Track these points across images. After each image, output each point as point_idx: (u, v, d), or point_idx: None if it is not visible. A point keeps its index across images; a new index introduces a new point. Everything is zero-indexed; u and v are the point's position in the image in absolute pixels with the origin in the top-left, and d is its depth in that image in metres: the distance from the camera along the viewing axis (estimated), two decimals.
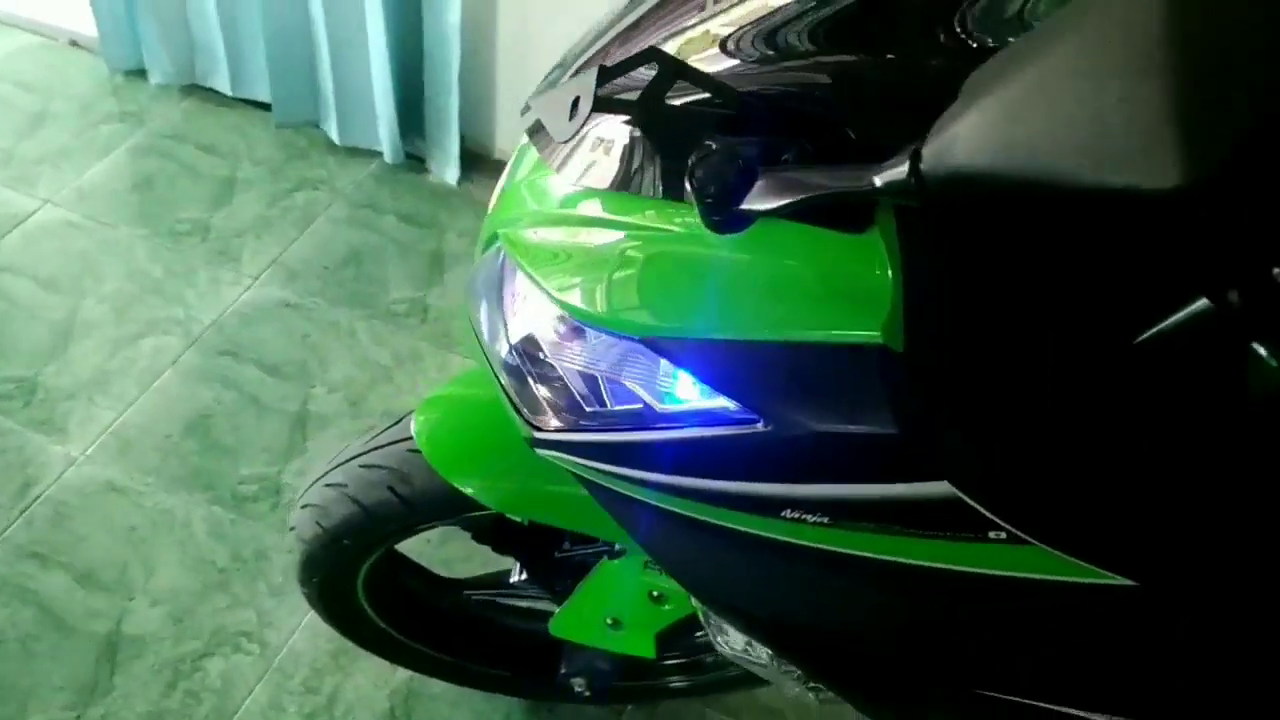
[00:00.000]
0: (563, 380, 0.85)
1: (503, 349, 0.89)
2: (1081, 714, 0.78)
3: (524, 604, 1.45)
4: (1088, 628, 0.73)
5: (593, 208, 0.82)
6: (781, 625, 0.86)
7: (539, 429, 0.87)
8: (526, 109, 0.86)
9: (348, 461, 1.18)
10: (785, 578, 0.81)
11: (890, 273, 0.66)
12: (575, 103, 0.67)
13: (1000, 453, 0.67)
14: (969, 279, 0.67)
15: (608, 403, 0.82)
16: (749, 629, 0.93)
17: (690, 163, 0.67)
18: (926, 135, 0.55)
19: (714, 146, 0.68)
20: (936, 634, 0.80)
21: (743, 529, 0.78)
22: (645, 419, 0.79)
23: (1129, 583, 0.68)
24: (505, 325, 0.88)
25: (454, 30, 2.11)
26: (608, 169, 0.80)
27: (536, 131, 0.88)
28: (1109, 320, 0.63)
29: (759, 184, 0.64)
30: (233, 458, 1.85)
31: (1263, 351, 0.52)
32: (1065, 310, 0.66)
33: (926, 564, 0.72)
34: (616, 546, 1.14)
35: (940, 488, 0.67)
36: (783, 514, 0.74)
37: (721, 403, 0.73)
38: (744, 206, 0.65)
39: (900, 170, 0.56)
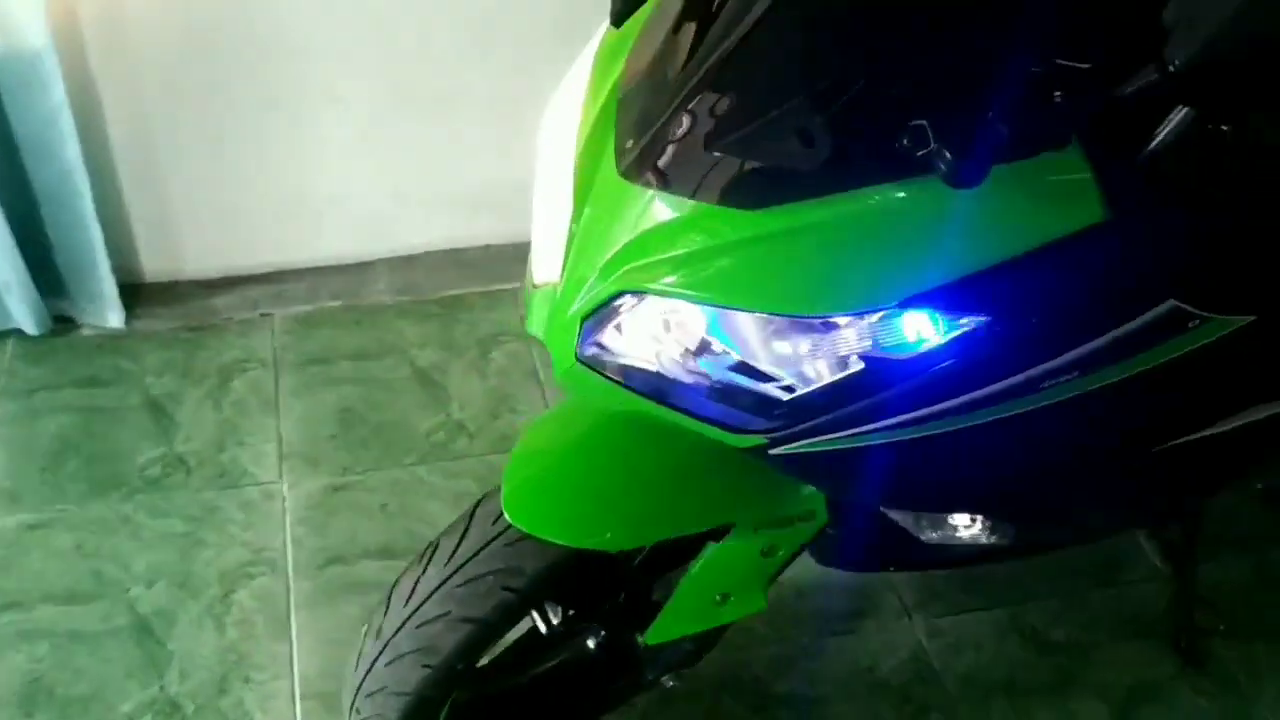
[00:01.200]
0: (759, 382, 0.91)
1: (697, 378, 0.93)
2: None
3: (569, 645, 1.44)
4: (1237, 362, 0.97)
5: (743, 223, 0.88)
6: (1004, 488, 1.01)
7: (769, 433, 0.93)
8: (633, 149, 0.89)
9: (429, 598, 1.13)
10: (1021, 441, 0.95)
11: (1089, 171, 0.81)
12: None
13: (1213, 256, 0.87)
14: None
15: (821, 377, 0.90)
16: (972, 507, 1.07)
17: (928, 139, 0.77)
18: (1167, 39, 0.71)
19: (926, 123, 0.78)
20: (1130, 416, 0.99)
21: (995, 417, 0.91)
22: (880, 374, 0.88)
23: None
24: (687, 357, 0.92)
25: (77, 163, 1.89)
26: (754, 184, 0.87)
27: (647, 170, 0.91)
28: None
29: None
30: (97, 705, 1.60)
31: None
32: None
33: (1143, 369, 0.90)
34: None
35: (1164, 306, 0.85)
36: (1042, 387, 0.88)
37: (966, 326, 0.85)
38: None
39: (1150, 74, 0.72)
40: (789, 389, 0.91)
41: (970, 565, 1.34)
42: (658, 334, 0.95)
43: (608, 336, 0.97)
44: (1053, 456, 1.01)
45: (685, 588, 1.21)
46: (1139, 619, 1.82)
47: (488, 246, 2.28)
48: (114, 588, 1.74)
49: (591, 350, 0.98)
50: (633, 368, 0.97)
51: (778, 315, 0.88)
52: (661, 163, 0.92)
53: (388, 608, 1.17)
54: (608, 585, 1.30)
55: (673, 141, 0.91)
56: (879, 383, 0.89)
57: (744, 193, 0.89)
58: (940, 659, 1.73)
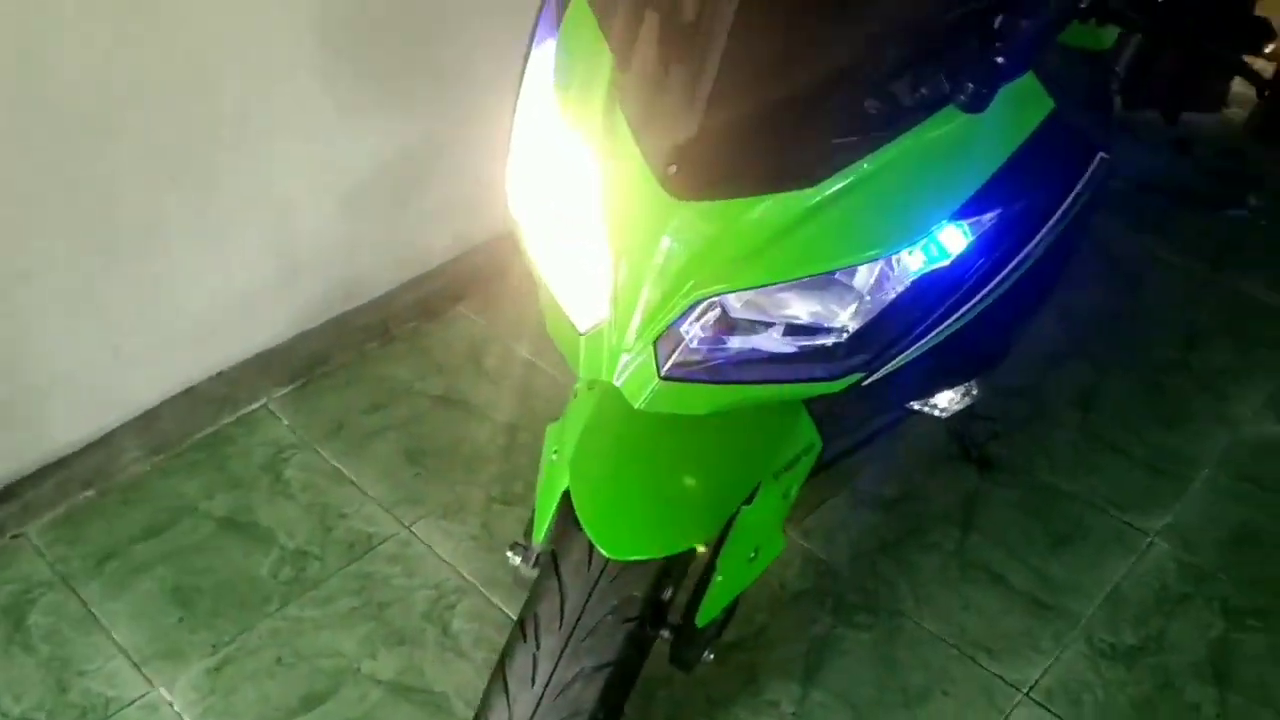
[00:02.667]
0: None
1: (790, 349, 1.05)
2: None
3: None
4: None
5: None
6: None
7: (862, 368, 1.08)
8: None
9: (556, 665, 1.16)
10: (1022, 296, 1.18)
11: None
12: None
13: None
14: None
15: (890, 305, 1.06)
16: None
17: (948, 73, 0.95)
18: None
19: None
20: None
21: (1011, 284, 1.12)
22: (934, 287, 1.06)
23: None
24: (776, 337, 1.04)
25: None
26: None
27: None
28: None
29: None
30: None
31: None
32: None
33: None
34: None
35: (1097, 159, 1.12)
36: (1037, 251, 1.11)
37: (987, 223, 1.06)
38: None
39: None
40: (845, 330, 1.06)
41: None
42: (730, 327, 1.05)
43: (687, 347, 1.05)
44: (1031, 305, 1.25)
45: (726, 557, 1.32)
46: (936, 454, 2.18)
47: (220, 374, 2.15)
48: None
49: (675, 365, 1.06)
50: (725, 365, 1.07)
51: (851, 267, 1.03)
52: (710, 174, 1.02)
53: (508, 699, 1.16)
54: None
55: (715, 150, 1.01)
56: (933, 296, 1.07)
57: (800, 173, 1.02)
58: (824, 551, 1.97)
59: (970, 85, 0.96)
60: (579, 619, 1.16)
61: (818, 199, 1.03)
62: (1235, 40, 1.20)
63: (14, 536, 1.92)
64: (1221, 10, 1.17)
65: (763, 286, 1.03)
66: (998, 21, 0.99)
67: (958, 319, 1.12)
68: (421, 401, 2.22)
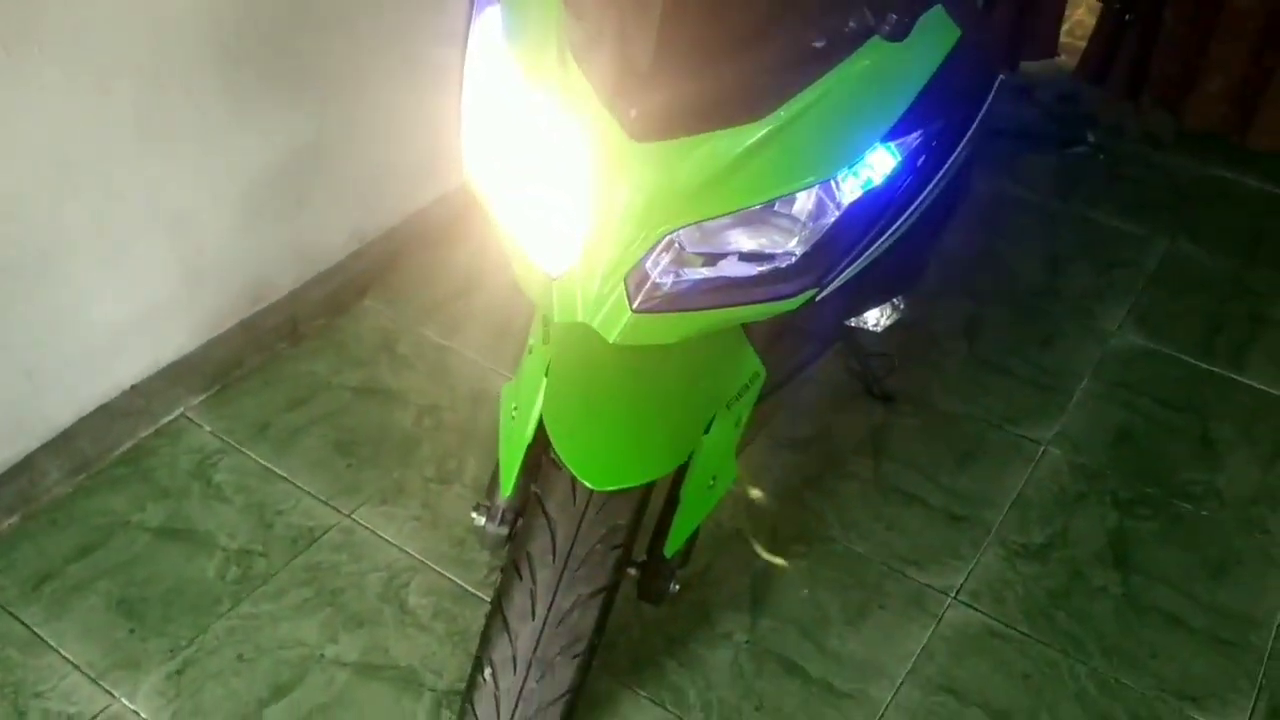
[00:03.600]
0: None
1: (750, 273, 1.14)
2: None
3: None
4: None
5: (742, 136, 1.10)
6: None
7: (814, 285, 1.17)
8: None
9: (554, 597, 1.22)
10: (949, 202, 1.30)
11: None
12: None
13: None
14: None
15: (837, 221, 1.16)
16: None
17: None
18: None
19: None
20: None
21: (940, 192, 1.24)
22: (872, 203, 1.17)
23: None
24: (737, 262, 1.12)
25: None
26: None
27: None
28: None
29: None
30: None
31: None
32: None
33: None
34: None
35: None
36: (960, 160, 1.22)
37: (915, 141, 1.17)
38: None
39: None
40: (817, 245, 1.16)
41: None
42: (694, 258, 1.14)
43: (655, 280, 1.13)
44: (946, 221, 1.37)
45: (689, 486, 1.40)
46: (841, 392, 2.31)
47: (133, 387, 2.12)
48: None
49: (647, 298, 1.14)
50: (692, 293, 1.15)
51: (800, 190, 1.12)
52: (668, 114, 1.09)
53: (510, 636, 1.22)
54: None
55: (671, 91, 1.09)
56: (868, 214, 1.17)
57: (748, 107, 1.11)
58: (754, 491, 2.08)
59: (893, 16, 1.07)
60: (570, 550, 1.23)
61: (764, 131, 1.12)
62: None
63: None
64: None
65: (715, 219, 1.12)
66: None
67: (891, 235, 1.23)
68: (342, 394, 2.24)
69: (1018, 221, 2.83)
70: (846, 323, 1.60)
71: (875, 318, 1.54)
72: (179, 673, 1.75)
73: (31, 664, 1.75)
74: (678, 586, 1.55)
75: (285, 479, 2.06)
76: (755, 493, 2.07)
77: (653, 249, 1.12)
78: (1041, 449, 2.20)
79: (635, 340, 1.19)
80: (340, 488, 2.05)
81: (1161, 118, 3.20)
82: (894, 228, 1.22)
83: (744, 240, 1.15)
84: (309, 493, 2.04)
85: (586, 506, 1.25)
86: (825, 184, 1.15)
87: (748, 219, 1.13)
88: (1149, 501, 2.10)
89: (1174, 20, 3.03)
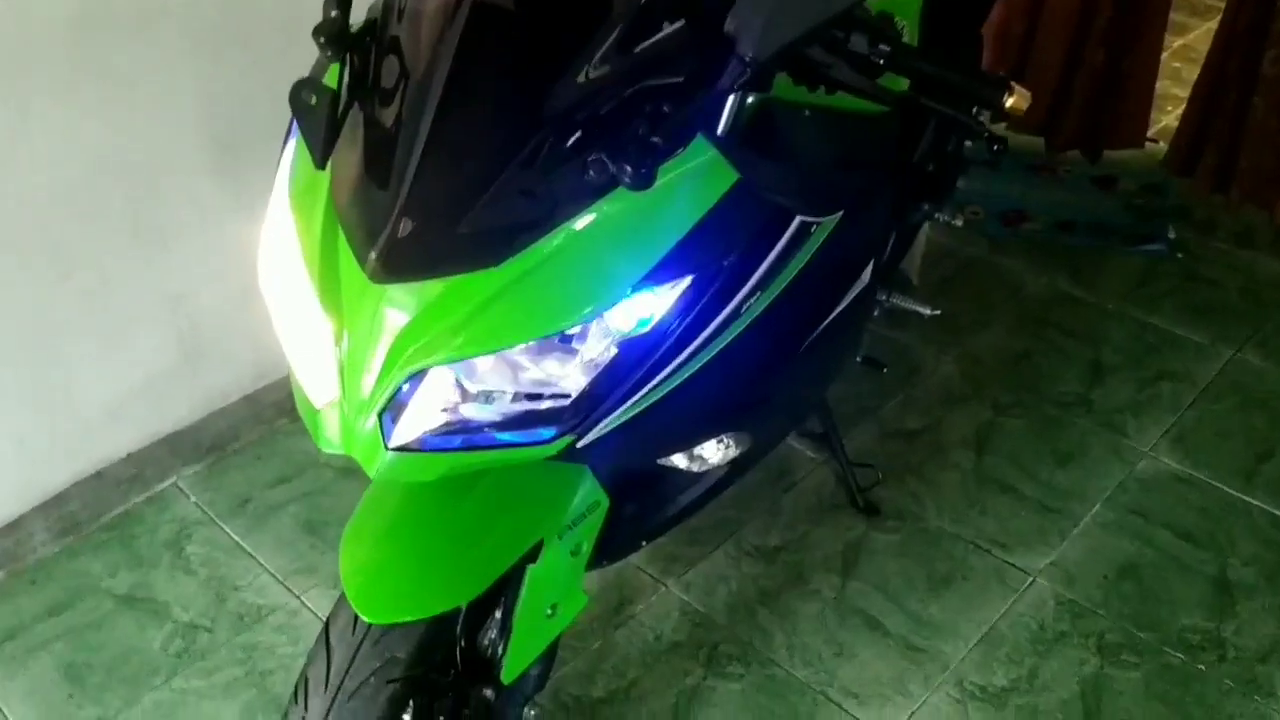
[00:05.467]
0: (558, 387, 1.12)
1: (495, 418, 1.10)
2: None
3: None
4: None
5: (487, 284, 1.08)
6: (740, 400, 1.30)
7: (570, 432, 1.13)
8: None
9: None
10: (745, 359, 1.25)
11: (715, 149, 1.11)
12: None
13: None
14: None
15: (591, 373, 1.12)
16: (722, 427, 1.34)
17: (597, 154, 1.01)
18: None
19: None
20: None
21: (723, 346, 1.18)
22: (634, 351, 1.12)
23: None
24: (481, 405, 1.10)
25: None
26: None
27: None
28: None
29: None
30: None
31: None
32: None
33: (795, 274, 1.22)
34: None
35: (795, 223, 1.17)
36: (743, 311, 1.19)
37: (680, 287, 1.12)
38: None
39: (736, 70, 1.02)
40: (567, 395, 1.13)
41: (719, 493, 1.60)
42: (450, 397, 1.12)
43: (409, 418, 1.12)
44: (764, 365, 1.30)
45: (521, 616, 1.36)
46: (823, 502, 2.21)
47: (129, 455, 2.25)
48: None
49: (399, 436, 1.13)
50: (440, 434, 1.13)
51: (542, 339, 1.09)
52: (405, 260, 1.09)
53: None
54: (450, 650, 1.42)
55: (408, 238, 1.08)
56: (636, 358, 1.12)
57: (484, 255, 1.09)
58: (703, 603, 2.00)
59: (627, 167, 1.02)
60: (342, 681, 1.21)
61: (500, 282, 1.10)
62: (973, 98, 1.24)
63: None
64: (952, 71, 1.21)
65: (463, 359, 1.10)
66: (648, 108, 1.06)
67: (669, 377, 1.17)
68: (325, 473, 2.29)
69: (1065, 323, 2.65)
70: (669, 460, 1.51)
71: (709, 454, 1.47)
72: None
73: None
74: (534, 712, 1.51)
75: (251, 555, 2.12)
76: (704, 604, 2.00)
77: (404, 386, 1.11)
78: (1029, 579, 2.03)
79: (397, 476, 1.17)
80: (299, 568, 2.10)
81: (1253, 214, 2.95)
82: (667, 371, 1.17)
83: (494, 378, 1.12)
84: (269, 571, 2.09)
85: (364, 637, 1.23)
86: (581, 327, 1.11)
87: (502, 362, 1.11)
88: (1138, 648, 1.91)
89: (1264, 109, 2.80)
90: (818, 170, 1.28)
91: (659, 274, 1.11)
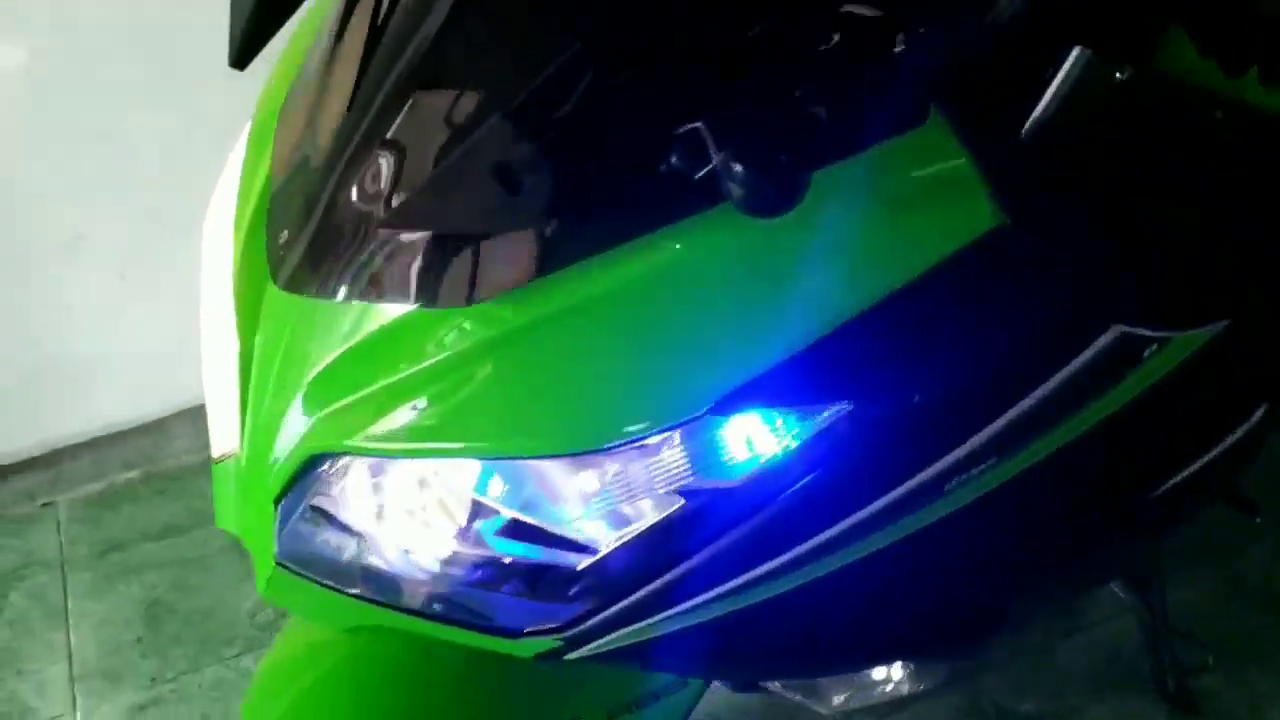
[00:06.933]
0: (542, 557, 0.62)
1: (446, 566, 0.62)
2: None
3: None
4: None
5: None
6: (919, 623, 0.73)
7: (564, 628, 0.63)
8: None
9: None
10: (926, 563, 0.67)
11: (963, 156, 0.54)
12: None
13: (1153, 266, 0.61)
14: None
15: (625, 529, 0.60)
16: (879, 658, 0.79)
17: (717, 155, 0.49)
18: None
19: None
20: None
21: (888, 543, 0.62)
22: (705, 513, 0.59)
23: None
24: (423, 534, 0.62)
25: None
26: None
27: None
28: None
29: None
30: None
31: None
32: None
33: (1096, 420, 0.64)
34: None
35: (1111, 334, 0.59)
36: (945, 488, 0.60)
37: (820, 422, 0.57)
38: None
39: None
40: (582, 551, 0.62)
41: None
42: (375, 508, 0.65)
43: (308, 523, 0.66)
44: (981, 565, 0.73)
45: None
46: (1115, 666, 1.55)
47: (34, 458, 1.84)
48: None
49: (290, 545, 0.67)
50: (351, 564, 0.66)
51: (546, 457, 0.59)
52: (332, 263, 0.63)
53: None
54: None
55: (342, 230, 0.62)
56: (705, 526, 0.60)
57: (450, 286, 0.60)
58: None
59: (747, 168, 0.48)
60: None
61: (477, 337, 0.60)
62: None
63: (44, 505, 1.80)
64: None
65: (396, 455, 0.62)
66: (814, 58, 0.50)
67: (787, 578, 0.62)
68: (215, 538, 1.71)
69: None
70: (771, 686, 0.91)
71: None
72: (141, 709, 1.51)
73: (39, 641, 1.60)
74: None
75: (66, 628, 1.63)
76: None
77: (304, 471, 0.65)
78: None
79: (288, 605, 0.72)
80: (104, 669, 1.58)
81: None
82: (798, 560, 0.62)
83: (455, 505, 0.63)
84: (70, 659, 1.59)
85: None
86: (627, 447, 0.59)
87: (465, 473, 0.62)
88: None
89: None
90: (1207, 238, 0.68)
91: (780, 386, 0.57)
